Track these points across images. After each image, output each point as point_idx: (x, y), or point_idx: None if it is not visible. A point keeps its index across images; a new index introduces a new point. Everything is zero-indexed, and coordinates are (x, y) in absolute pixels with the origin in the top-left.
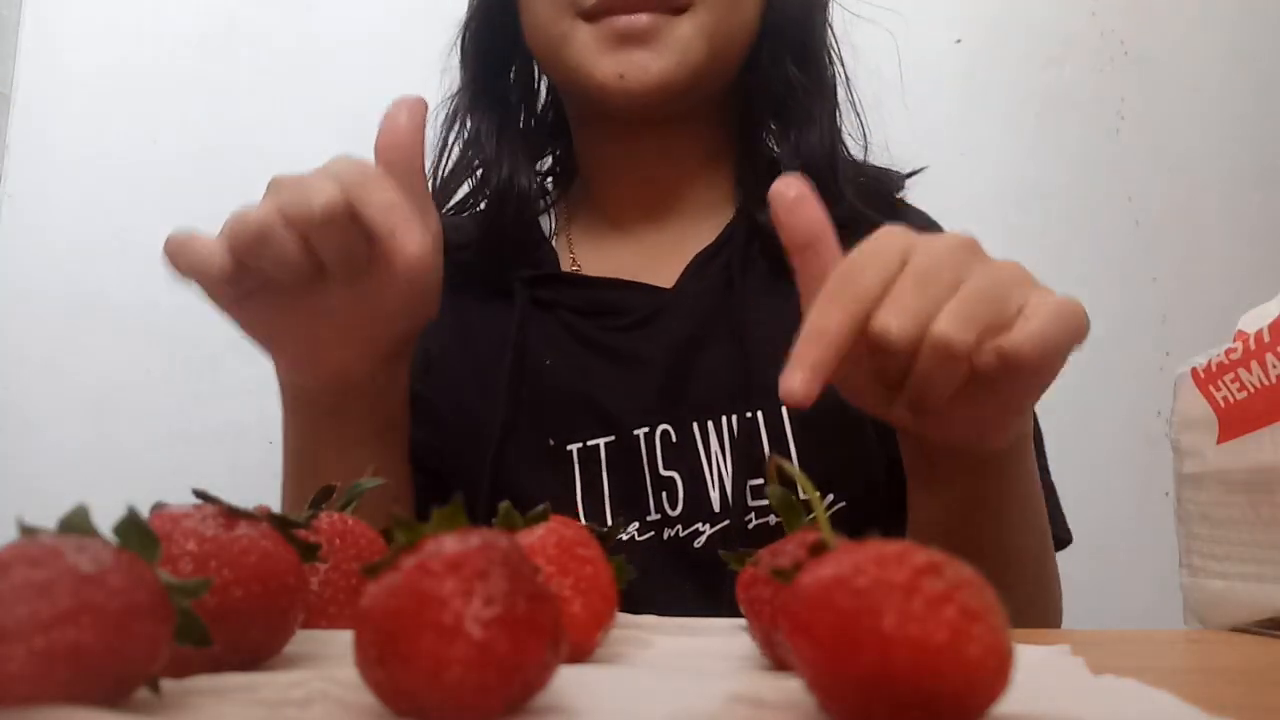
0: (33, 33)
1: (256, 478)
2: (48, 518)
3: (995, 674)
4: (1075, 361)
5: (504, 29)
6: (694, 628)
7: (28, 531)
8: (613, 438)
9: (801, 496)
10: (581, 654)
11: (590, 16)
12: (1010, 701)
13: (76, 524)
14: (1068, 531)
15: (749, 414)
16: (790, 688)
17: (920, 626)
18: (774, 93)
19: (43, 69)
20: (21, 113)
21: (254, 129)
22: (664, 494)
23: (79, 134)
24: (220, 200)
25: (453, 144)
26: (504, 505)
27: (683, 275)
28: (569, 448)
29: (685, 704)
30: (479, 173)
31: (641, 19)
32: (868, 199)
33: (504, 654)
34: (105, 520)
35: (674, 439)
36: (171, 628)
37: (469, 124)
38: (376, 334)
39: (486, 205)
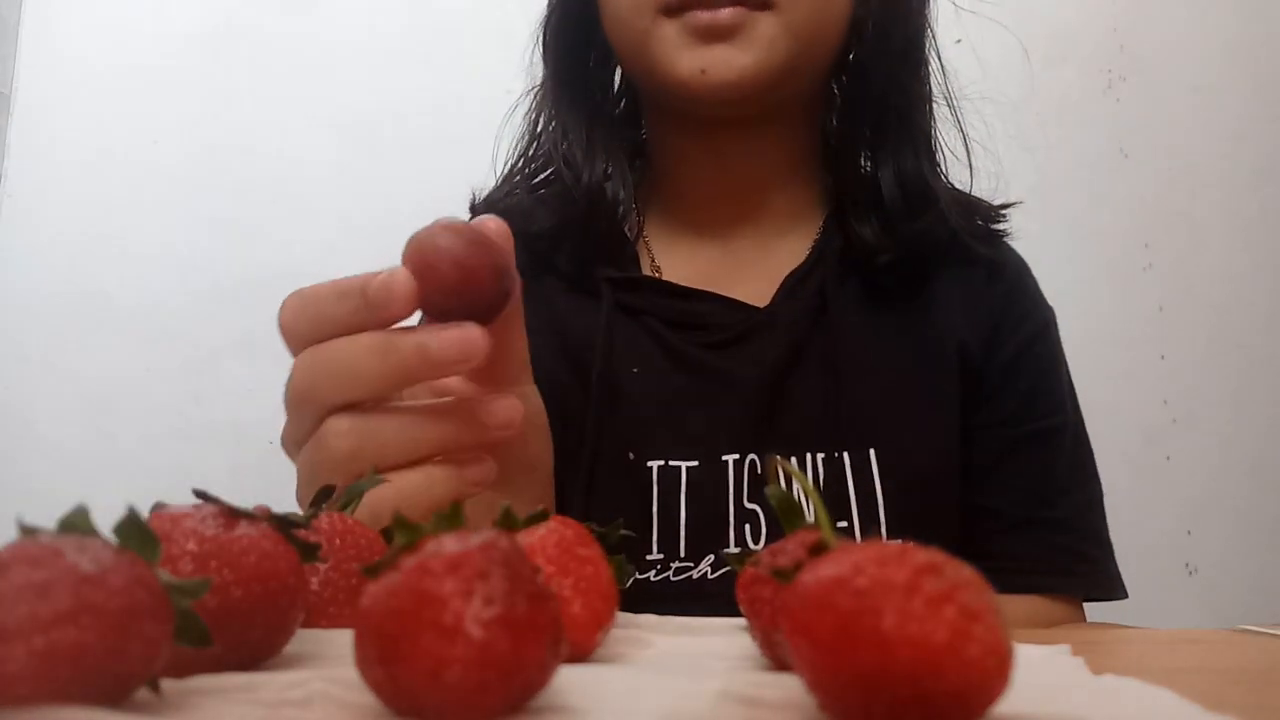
0: (33, 33)
1: (256, 478)
2: (48, 518)
3: (995, 674)
4: (1075, 362)
5: (583, 22)
6: (694, 628)
7: (28, 531)
8: (696, 462)
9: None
10: (581, 654)
11: (672, 12)
12: (1010, 701)
13: (76, 524)
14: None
15: (836, 454)
16: (790, 687)
17: (920, 626)
18: (869, 98)
19: (43, 69)
20: (21, 113)
21: (254, 129)
22: (746, 527)
23: (79, 134)
24: (220, 200)
25: (540, 135)
26: (504, 505)
27: (776, 295)
28: (649, 464)
29: (684, 704)
30: (562, 162)
31: (724, 14)
32: (969, 225)
33: (504, 654)
34: (105, 520)
35: (759, 471)
36: (171, 628)
37: (555, 119)
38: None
39: (568, 198)
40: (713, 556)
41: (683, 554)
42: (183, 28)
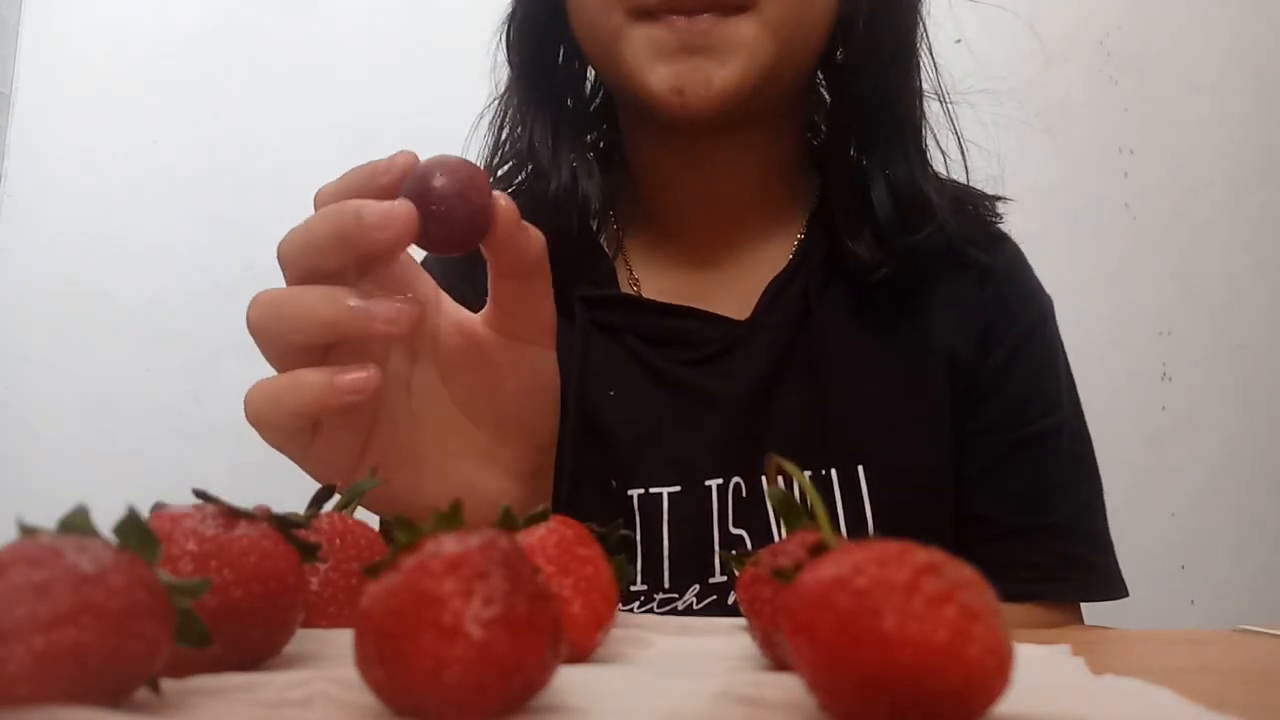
0: (33, 33)
1: (256, 478)
2: (48, 518)
3: (995, 673)
4: (1075, 363)
5: (550, 19)
6: (694, 628)
7: (28, 531)
8: (679, 488)
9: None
10: (581, 654)
11: (644, 15)
12: (1010, 701)
13: (76, 524)
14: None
15: (823, 471)
16: (790, 687)
17: (920, 626)
18: (858, 99)
19: (43, 69)
20: (21, 112)
21: (254, 129)
22: (733, 554)
23: (79, 134)
24: (220, 200)
25: (504, 143)
26: (503, 506)
27: (758, 305)
28: (630, 493)
29: (684, 704)
30: (530, 169)
31: (702, 22)
32: (968, 231)
33: (504, 654)
34: (105, 520)
35: (744, 494)
36: (171, 628)
37: (521, 123)
38: (495, 448)
39: (540, 210)
40: (698, 587)
41: (667, 584)
42: (183, 28)
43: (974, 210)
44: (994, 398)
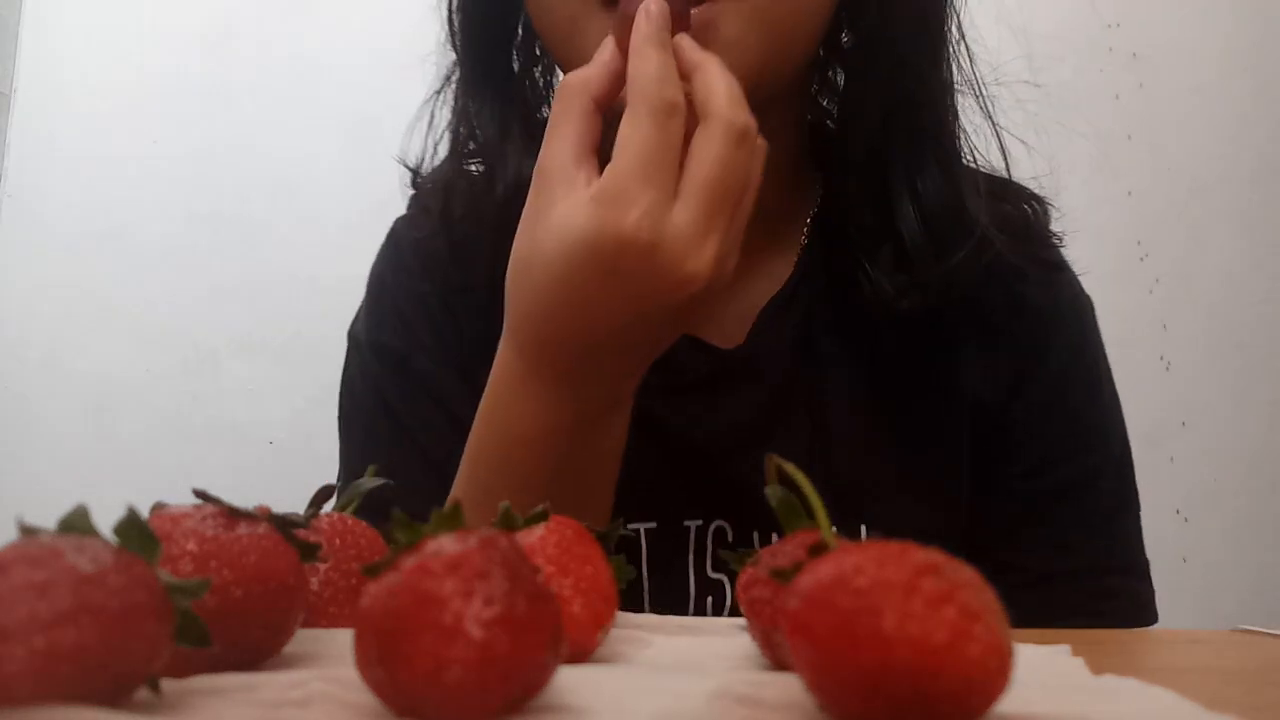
0: (33, 33)
1: (256, 478)
2: (48, 518)
3: (995, 673)
4: None
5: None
6: (694, 628)
7: (28, 531)
8: (654, 524)
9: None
10: (581, 654)
11: (609, 1)
12: (1010, 701)
13: (76, 524)
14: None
15: None
16: (790, 687)
17: (920, 626)
18: (874, 93)
19: (43, 69)
20: (21, 112)
21: (253, 130)
22: (709, 600)
23: (79, 134)
24: (220, 200)
25: (441, 137)
26: (503, 505)
27: (751, 331)
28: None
29: (683, 704)
30: (480, 168)
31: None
32: (1015, 247)
33: (504, 654)
34: (105, 520)
35: (730, 538)
36: (171, 628)
37: (466, 113)
38: None
39: (484, 214)
40: None
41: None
42: (183, 28)
43: (1025, 229)
44: (1028, 442)
